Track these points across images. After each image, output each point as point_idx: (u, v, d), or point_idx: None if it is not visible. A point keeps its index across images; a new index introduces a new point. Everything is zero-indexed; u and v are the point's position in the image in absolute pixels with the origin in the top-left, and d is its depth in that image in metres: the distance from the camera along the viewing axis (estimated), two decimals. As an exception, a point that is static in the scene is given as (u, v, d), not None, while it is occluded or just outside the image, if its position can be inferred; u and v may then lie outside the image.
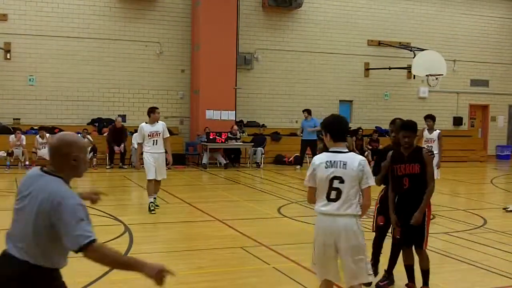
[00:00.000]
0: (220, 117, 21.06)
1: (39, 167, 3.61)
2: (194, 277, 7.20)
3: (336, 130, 4.97)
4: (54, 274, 3.71)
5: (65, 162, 3.49)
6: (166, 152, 11.64)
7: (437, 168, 12.62)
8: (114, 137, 19.68)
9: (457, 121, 26.26)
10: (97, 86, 21.02)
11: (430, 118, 13.52)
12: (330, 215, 4.85)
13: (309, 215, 9.44)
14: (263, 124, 22.86)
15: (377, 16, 24.75)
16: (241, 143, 20.83)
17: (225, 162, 20.44)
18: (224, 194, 14.55)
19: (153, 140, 11.42)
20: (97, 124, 20.85)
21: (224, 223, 10.45)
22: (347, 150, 4.91)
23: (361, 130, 23.09)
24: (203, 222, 10.73)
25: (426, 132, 13.66)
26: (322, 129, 5.02)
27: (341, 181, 4.81)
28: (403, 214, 6.38)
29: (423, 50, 23.12)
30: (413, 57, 22.86)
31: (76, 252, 3.32)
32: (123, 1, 21.25)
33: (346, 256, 4.87)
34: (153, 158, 11.42)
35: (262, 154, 20.91)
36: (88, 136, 19.36)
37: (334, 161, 4.84)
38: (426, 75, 22.64)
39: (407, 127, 6.37)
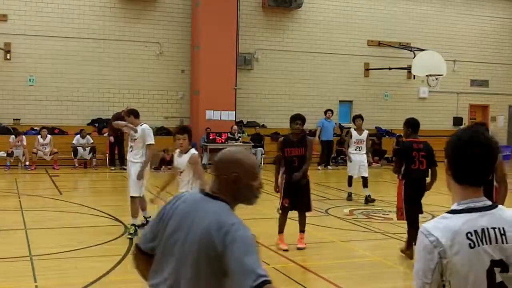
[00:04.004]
0: (220, 118, 21.04)
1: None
2: (194, 278, 7.18)
3: (474, 163, 2.43)
4: None
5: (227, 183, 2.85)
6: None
7: (369, 164, 13.96)
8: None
9: (457, 121, 26.26)
10: (97, 87, 21.01)
11: (360, 118, 13.51)
12: None
13: (309, 216, 9.44)
14: (263, 125, 22.85)
15: (377, 16, 24.75)
16: (241, 144, 20.82)
17: (225, 162, 20.43)
18: (224, 195, 14.51)
19: (130, 146, 9.61)
20: (97, 125, 20.84)
21: (224, 223, 10.41)
22: (490, 201, 2.49)
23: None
24: (203, 222, 10.70)
25: (355, 133, 13.46)
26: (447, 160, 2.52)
27: (504, 268, 2.36)
28: None
29: (423, 50, 23.12)
30: (413, 57, 22.86)
31: None
32: (123, 1, 21.25)
33: None
34: (127, 167, 9.71)
35: (262, 154, 20.90)
36: (88, 137, 19.38)
37: (483, 228, 2.37)
38: (426, 75, 22.64)
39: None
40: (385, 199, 14.23)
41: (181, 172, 7.37)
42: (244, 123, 22.61)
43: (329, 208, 12.38)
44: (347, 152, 13.74)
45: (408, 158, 8.02)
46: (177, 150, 7.59)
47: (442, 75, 22.52)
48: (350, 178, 13.55)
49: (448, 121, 25.91)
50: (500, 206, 2.48)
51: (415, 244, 8.37)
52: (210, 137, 19.95)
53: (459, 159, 2.42)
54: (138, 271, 3.05)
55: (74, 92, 20.75)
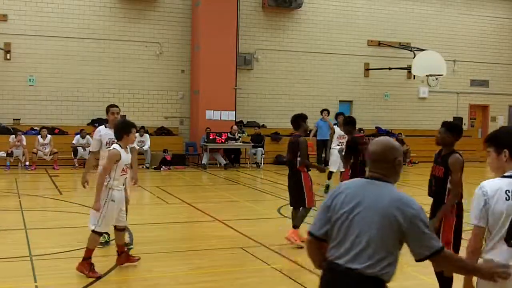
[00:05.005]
0: (220, 118, 21.04)
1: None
2: (194, 277, 7.20)
3: None
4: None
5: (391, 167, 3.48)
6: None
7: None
8: None
9: (457, 121, 26.25)
10: (97, 87, 21.01)
11: (342, 115, 13.86)
12: None
13: (309, 216, 9.43)
14: (263, 125, 22.84)
15: (377, 16, 24.75)
16: (241, 144, 20.82)
17: (225, 162, 20.43)
18: (224, 195, 14.53)
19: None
20: (97, 125, 20.76)
21: (224, 223, 10.44)
22: None
23: (362, 131, 23.10)
24: (203, 222, 10.72)
25: (338, 129, 14.12)
26: (494, 145, 3.74)
27: None
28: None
29: (423, 50, 23.11)
30: (413, 57, 22.86)
31: (422, 260, 3.33)
32: (123, 1, 21.25)
33: None
34: None
35: (262, 154, 20.89)
36: (88, 137, 19.37)
37: None
38: (426, 75, 22.63)
39: (443, 125, 6.30)
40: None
41: (128, 168, 7.27)
42: (244, 123, 22.60)
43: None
44: (331, 146, 15.05)
45: (357, 151, 9.24)
46: (118, 147, 7.04)
47: (442, 75, 22.52)
48: (330, 173, 14.26)
49: (448, 121, 25.84)
50: None
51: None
52: (210, 137, 19.95)
53: None
54: (309, 256, 3.62)
55: (74, 92, 20.75)
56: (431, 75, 22.50)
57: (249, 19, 22.89)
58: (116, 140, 7.32)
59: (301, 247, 8.38)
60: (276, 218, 11.23)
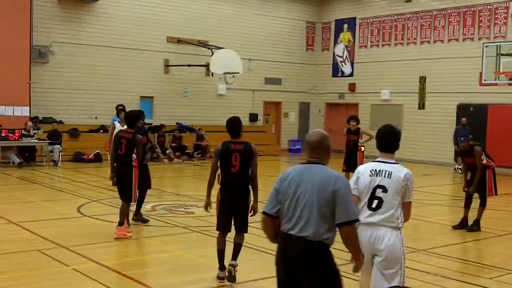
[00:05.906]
0: (13, 113, 19.86)
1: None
2: (-13, 285, 6.80)
3: (386, 141, 5.18)
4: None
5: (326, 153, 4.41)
6: None
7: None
8: None
9: (253, 117, 27.57)
10: None
11: (123, 111, 13.67)
12: (371, 224, 5.01)
13: (110, 213, 9.39)
14: (60, 120, 21.96)
15: (177, 13, 24.99)
16: (36, 141, 19.83)
17: (19, 161, 19.29)
18: (18, 195, 13.75)
19: None
20: None
21: (19, 225, 9.94)
22: (394, 161, 5.10)
23: (164, 127, 23.29)
24: (-4, 225, 10.10)
25: (118, 125, 13.33)
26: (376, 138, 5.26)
27: (385, 190, 4.99)
28: None
29: (220, 48, 23.86)
30: (211, 55, 23.51)
31: (340, 225, 4.15)
32: None
33: (381, 268, 5.04)
34: None
35: (60, 151, 20.08)
36: None
37: (379, 170, 5.05)
38: (224, 73, 23.43)
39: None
40: (187, 193, 14.58)
41: None
42: (40, 119, 21.54)
43: (132, 205, 12.32)
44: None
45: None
46: None
47: (238, 73, 23.49)
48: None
49: (245, 117, 26.95)
50: (398, 164, 5.07)
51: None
52: (2, 134, 18.74)
53: (379, 138, 5.11)
54: (265, 232, 4.45)
55: None
56: (228, 73, 23.35)
57: (44, 11, 21.78)
58: None
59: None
60: (76, 218, 10.95)
